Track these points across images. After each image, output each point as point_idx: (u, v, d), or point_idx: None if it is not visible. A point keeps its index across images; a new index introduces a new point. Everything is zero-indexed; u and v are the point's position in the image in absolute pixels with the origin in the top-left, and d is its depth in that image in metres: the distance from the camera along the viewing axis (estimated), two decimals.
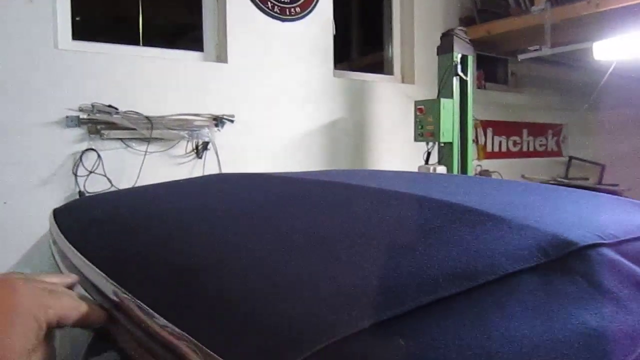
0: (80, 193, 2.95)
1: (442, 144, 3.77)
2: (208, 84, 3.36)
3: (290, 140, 3.69)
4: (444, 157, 3.77)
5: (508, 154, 5.58)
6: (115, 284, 0.43)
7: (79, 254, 0.50)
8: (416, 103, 3.78)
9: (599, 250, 0.50)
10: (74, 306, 0.41)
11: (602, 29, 3.71)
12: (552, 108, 5.88)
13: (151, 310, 0.37)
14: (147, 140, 3.08)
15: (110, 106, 3.01)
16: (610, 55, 3.51)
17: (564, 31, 4.03)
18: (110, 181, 2.93)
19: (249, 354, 0.31)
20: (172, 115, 3.16)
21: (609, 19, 3.73)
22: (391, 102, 4.28)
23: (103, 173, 2.95)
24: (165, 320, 0.36)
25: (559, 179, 5.78)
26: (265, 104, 3.59)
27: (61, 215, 0.75)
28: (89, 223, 0.62)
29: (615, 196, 0.85)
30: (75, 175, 2.92)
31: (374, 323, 0.31)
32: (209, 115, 3.31)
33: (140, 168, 3.02)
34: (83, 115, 2.94)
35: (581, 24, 3.93)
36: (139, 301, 0.39)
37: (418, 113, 3.76)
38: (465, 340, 0.32)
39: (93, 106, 2.96)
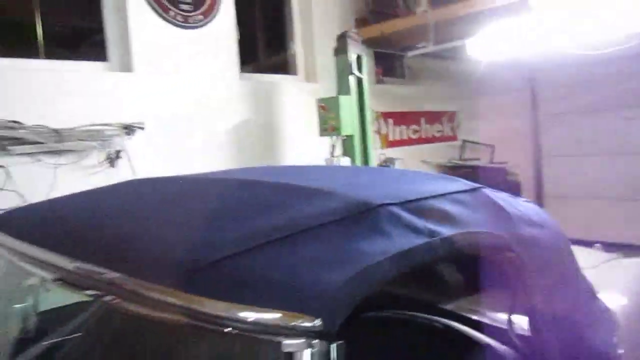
0: None
1: (345, 137, 4.12)
2: (116, 94, 3.44)
3: (201, 144, 3.85)
4: (347, 148, 4.12)
5: (409, 141, 6.08)
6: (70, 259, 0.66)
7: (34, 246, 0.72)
8: (318, 101, 4.09)
9: (387, 207, 0.81)
10: None
11: (476, 28, 4.22)
12: (445, 97, 6.47)
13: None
14: (57, 152, 3.12)
15: (14, 121, 3.02)
16: (480, 52, 4.03)
17: (446, 29, 4.52)
18: (22, 196, 2.94)
19: (149, 269, 0.56)
20: (81, 127, 3.22)
21: (481, 19, 4.25)
22: (296, 100, 4.56)
23: (13, 189, 2.96)
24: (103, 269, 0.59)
25: (455, 161, 6.40)
26: (174, 110, 3.72)
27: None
28: (32, 226, 0.82)
29: (418, 170, 1.20)
30: None
31: (207, 263, 0.57)
32: (119, 124, 3.39)
33: (53, 181, 3.06)
34: None
35: (459, 23, 4.44)
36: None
37: (321, 110, 4.07)
38: (273, 268, 0.59)
39: None
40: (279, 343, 0.51)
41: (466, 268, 1.40)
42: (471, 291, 1.49)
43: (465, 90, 6.32)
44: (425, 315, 1.33)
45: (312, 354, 0.51)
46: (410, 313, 1.42)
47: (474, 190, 1.12)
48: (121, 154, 3.39)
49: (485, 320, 1.37)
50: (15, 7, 3.55)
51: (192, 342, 0.57)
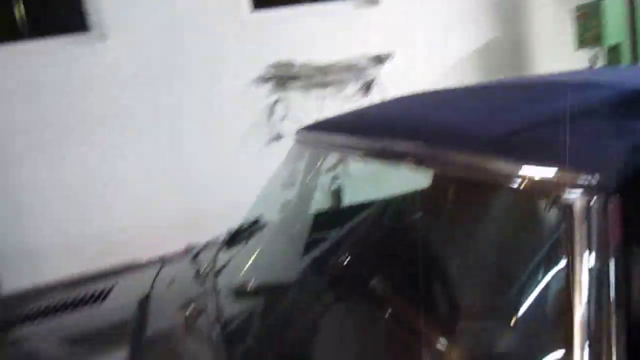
0: (277, 136, 3.64)
1: (609, 47, 3.62)
2: (365, 28, 3.75)
3: (447, 66, 3.91)
4: (612, 60, 3.62)
5: None
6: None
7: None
8: (576, 8, 3.65)
9: None
10: None
11: None
12: None
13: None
14: (322, 85, 3.63)
15: (289, 62, 3.60)
16: None
17: None
18: (299, 122, 3.54)
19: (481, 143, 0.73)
20: (339, 62, 3.64)
21: None
22: (546, 11, 4.16)
23: (292, 118, 3.59)
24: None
25: None
26: (419, 36, 3.84)
27: (311, 131, 1.23)
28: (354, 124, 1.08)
29: None
30: (271, 122, 3.62)
31: (501, 134, 0.70)
32: (371, 56, 3.71)
33: (320, 110, 3.58)
34: (269, 73, 3.58)
35: None
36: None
37: (579, 19, 3.64)
38: (554, 138, 0.68)
39: (276, 64, 3.58)
40: (561, 196, 0.62)
41: None
42: None
43: None
44: None
45: (592, 206, 0.60)
46: None
47: None
48: (374, 82, 3.73)
49: None
50: None
51: (489, 199, 0.72)
